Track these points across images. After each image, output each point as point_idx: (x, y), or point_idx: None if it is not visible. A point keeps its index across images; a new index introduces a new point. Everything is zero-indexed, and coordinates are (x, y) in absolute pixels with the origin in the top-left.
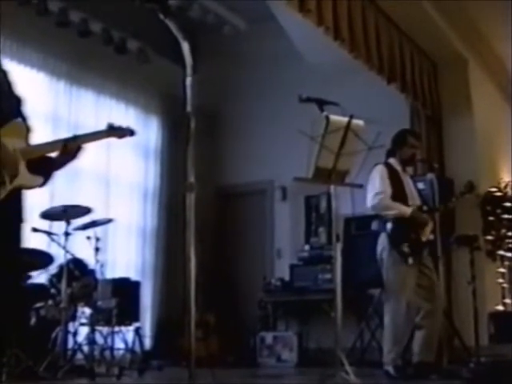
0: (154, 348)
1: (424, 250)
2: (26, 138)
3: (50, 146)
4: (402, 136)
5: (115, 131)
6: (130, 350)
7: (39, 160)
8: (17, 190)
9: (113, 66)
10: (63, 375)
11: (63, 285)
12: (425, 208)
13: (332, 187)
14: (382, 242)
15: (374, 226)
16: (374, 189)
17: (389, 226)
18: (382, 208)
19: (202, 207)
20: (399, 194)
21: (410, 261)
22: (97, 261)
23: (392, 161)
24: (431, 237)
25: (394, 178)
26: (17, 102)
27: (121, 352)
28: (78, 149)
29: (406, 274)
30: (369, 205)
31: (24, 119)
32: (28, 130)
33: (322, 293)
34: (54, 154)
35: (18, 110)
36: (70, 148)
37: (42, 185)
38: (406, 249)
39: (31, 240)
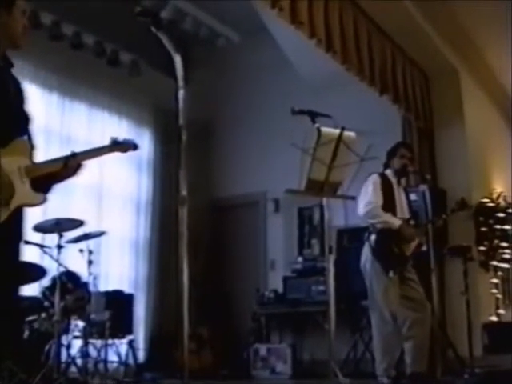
0: (148, 361)
1: (407, 264)
2: (31, 155)
3: (53, 163)
4: (394, 147)
5: (119, 146)
6: (123, 362)
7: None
8: (19, 208)
9: (105, 79)
10: None
11: (56, 298)
12: (412, 222)
13: (324, 199)
14: (366, 253)
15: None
16: (366, 197)
17: (372, 237)
18: (372, 216)
19: (195, 219)
20: (389, 206)
21: (391, 274)
22: (90, 273)
23: (388, 172)
24: (424, 248)
25: (386, 189)
26: (25, 120)
27: (114, 365)
28: (78, 166)
29: (388, 285)
30: (360, 213)
31: (30, 137)
32: (32, 147)
33: (315, 305)
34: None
35: (25, 128)
36: (70, 165)
37: (45, 199)
38: (391, 274)
39: (24, 253)
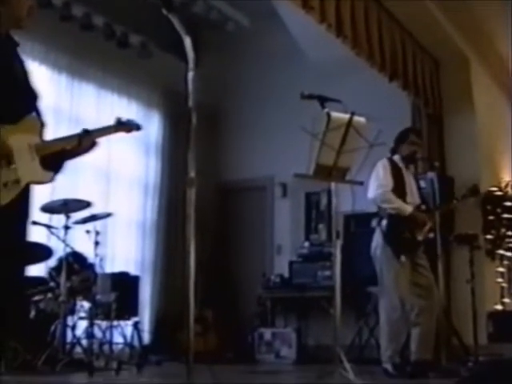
0: (153, 343)
1: (418, 249)
2: (41, 133)
3: (65, 141)
4: (403, 133)
5: (123, 126)
6: (128, 344)
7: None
8: (27, 188)
9: (115, 61)
10: (62, 369)
11: (62, 278)
12: (423, 207)
13: (332, 184)
14: (377, 238)
15: (374, 223)
16: (378, 180)
17: (384, 222)
18: (384, 200)
19: (202, 203)
20: (399, 190)
21: (403, 259)
22: (96, 255)
23: (396, 157)
24: (431, 235)
25: (396, 173)
26: (33, 97)
27: (119, 346)
28: (93, 144)
29: (399, 271)
30: (371, 196)
31: (39, 114)
32: (42, 125)
33: (321, 290)
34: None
35: (33, 105)
36: (84, 143)
37: (53, 177)
38: (402, 258)
39: (31, 233)
